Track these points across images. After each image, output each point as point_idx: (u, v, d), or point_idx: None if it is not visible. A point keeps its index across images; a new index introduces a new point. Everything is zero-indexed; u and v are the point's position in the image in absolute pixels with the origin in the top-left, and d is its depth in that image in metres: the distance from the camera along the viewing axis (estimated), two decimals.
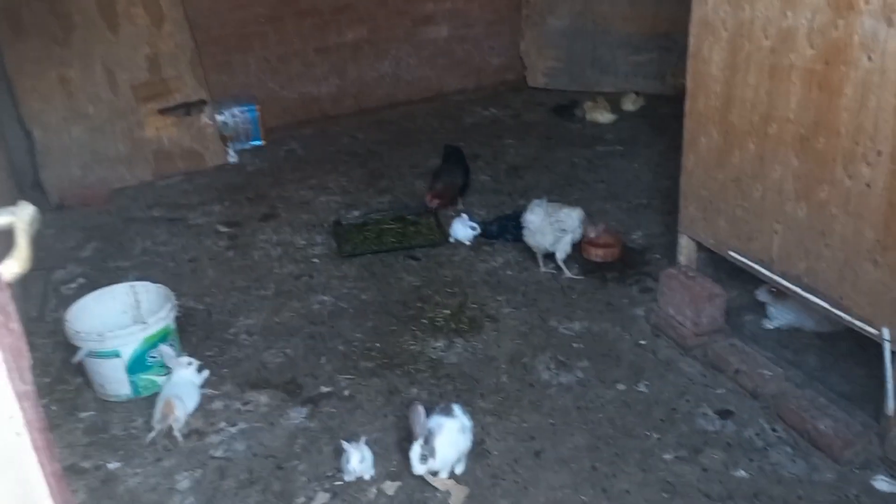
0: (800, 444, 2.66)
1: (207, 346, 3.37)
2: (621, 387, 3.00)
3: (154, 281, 3.38)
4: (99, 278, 3.81)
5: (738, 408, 2.86)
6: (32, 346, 3.36)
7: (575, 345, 3.26)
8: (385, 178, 4.98)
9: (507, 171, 4.98)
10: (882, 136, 2.33)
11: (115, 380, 3.01)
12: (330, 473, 2.65)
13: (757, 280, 3.06)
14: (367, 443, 2.61)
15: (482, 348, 3.27)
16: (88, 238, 4.38)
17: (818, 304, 2.71)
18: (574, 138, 5.45)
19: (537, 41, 6.43)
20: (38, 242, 4.29)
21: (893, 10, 2.22)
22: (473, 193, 4.65)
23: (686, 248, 3.35)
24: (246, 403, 3.02)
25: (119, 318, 3.24)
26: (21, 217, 1.12)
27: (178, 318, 3.24)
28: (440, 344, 3.30)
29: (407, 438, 2.61)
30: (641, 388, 2.99)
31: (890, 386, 2.49)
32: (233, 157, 5.32)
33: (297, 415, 2.94)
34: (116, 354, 2.95)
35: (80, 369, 3.11)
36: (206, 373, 3.10)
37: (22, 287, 3.73)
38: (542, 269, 3.80)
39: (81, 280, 3.92)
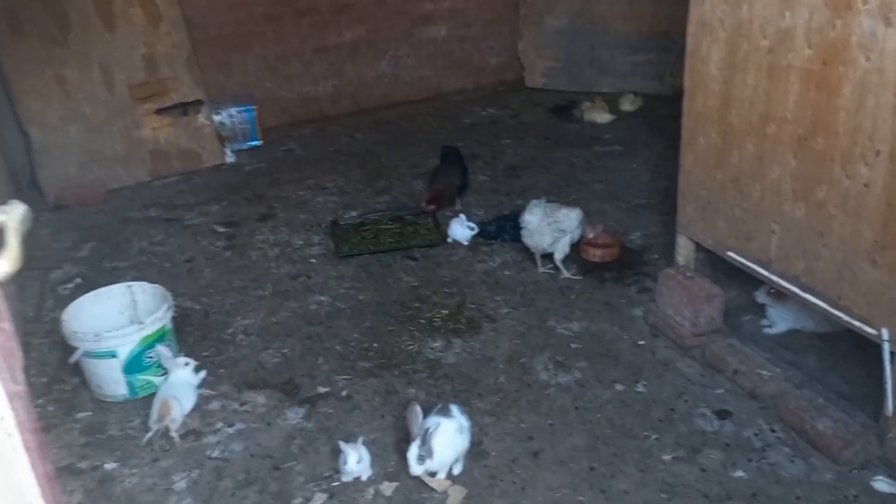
0: (798, 445, 2.66)
1: (204, 347, 3.36)
2: (619, 387, 3.00)
3: (151, 281, 3.37)
4: (96, 278, 3.81)
5: (736, 408, 2.85)
6: (29, 347, 3.39)
7: (573, 345, 3.26)
8: (383, 179, 4.97)
9: (506, 171, 4.98)
10: (880, 135, 2.33)
11: (111, 380, 3.00)
12: (327, 474, 2.64)
13: (755, 280, 3.05)
14: (364, 443, 2.60)
15: (480, 348, 3.26)
16: (85, 238, 4.37)
17: (817, 305, 2.70)
18: (572, 138, 5.45)
19: (535, 41, 6.43)
20: (35, 242, 4.33)
21: (891, 10, 2.21)
22: (472, 193, 4.64)
23: (684, 249, 3.35)
24: (243, 404, 3.01)
25: (116, 319, 3.23)
26: (12, 216, 1.11)
27: (174, 319, 3.23)
28: (438, 344, 3.29)
29: (405, 439, 2.60)
30: (640, 388, 2.99)
31: (889, 386, 2.49)
32: (230, 157, 5.32)
33: (294, 415, 2.93)
34: (113, 355, 2.94)
35: (77, 369, 3.10)
36: (203, 373, 3.10)
37: (19, 287, 3.72)
38: (541, 269, 3.79)
39: (78, 280, 3.91)
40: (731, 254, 3.06)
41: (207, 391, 3.07)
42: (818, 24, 2.45)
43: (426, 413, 2.54)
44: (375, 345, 3.32)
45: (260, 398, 3.03)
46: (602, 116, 5.69)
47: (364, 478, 2.59)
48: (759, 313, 3.25)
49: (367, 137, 5.68)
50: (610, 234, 3.98)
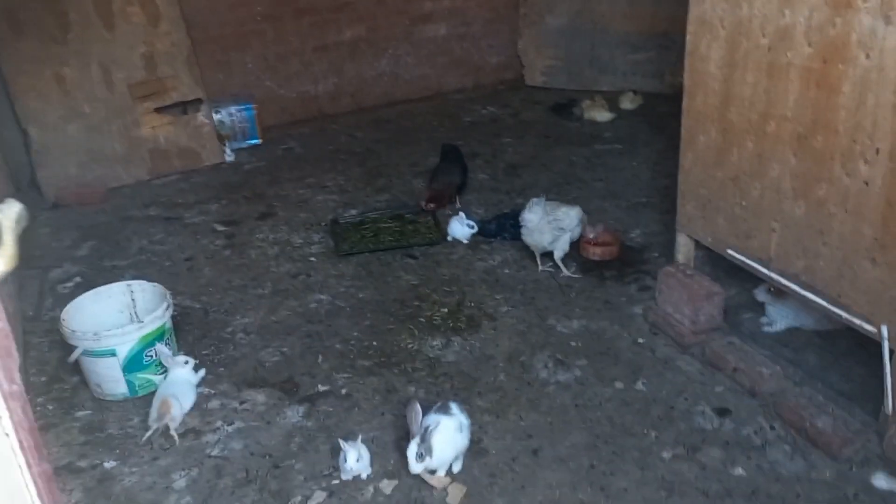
0: (798, 443, 2.66)
1: (204, 345, 3.36)
2: (619, 385, 3.00)
3: (150, 280, 3.37)
4: (95, 277, 3.81)
5: (736, 406, 2.85)
6: (29, 346, 3.38)
7: (573, 343, 3.26)
8: (383, 177, 4.97)
9: (506, 170, 4.98)
10: (880, 133, 2.32)
11: (111, 379, 3.00)
12: (327, 472, 2.64)
13: (755, 278, 3.05)
14: (364, 441, 2.60)
15: (480, 347, 3.26)
16: (85, 237, 4.37)
17: (817, 303, 2.70)
18: (572, 137, 5.45)
19: (535, 40, 6.43)
20: (35, 241, 4.33)
21: (891, 8, 2.21)
22: (471, 192, 4.64)
23: (684, 247, 3.35)
24: (243, 402, 3.01)
25: (115, 317, 3.23)
26: (7, 215, 1.10)
27: (174, 317, 3.23)
28: (438, 342, 3.29)
29: (404, 437, 2.60)
30: (639, 386, 2.98)
31: (888, 384, 2.49)
32: (230, 156, 5.32)
33: (293, 413, 2.93)
34: (112, 353, 2.94)
35: (77, 368, 3.10)
36: (202, 372, 3.10)
37: (18, 286, 3.72)
38: (541, 267, 3.79)
39: (78, 279, 3.91)
40: (730, 252, 3.06)
41: (207, 390, 3.07)
42: (818, 23, 2.45)
43: (426, 411, 2.54)
44: (375, 343, 3.32)
45: (259, 397, 3.03)
46: (602, 115, 5.68)
47: (364, 476, 2.59)
48: (758, 311, 3.25)
49: (367, 136, 5.67)
50: (610, 232, 3.97)
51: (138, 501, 2.58)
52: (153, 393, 2.95)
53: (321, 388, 3.07)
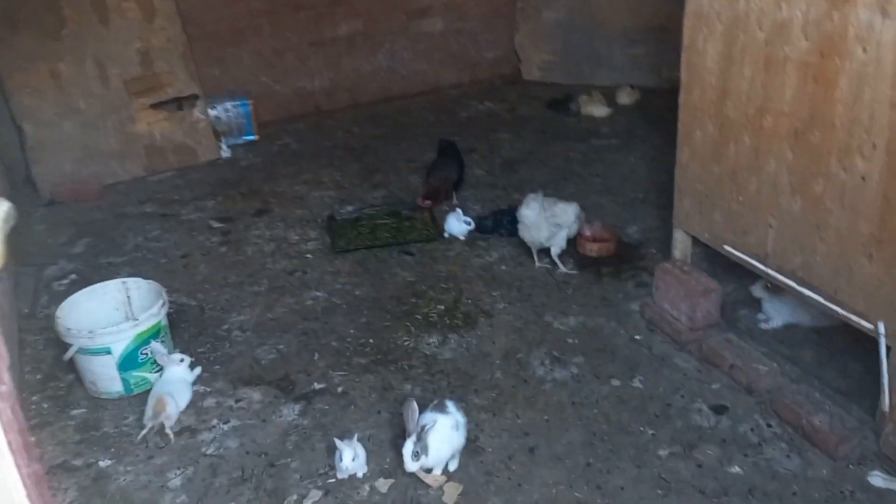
0: (795, 440, 2.65)
1: (200, 343, 3.35)
2: (616, 382, 2.99)
3: (146, 277, 3.36)
4: (91, 274, 3.79)
5: (732, 403, 2.84)
6: (24, 343, 3.37)
7: (570, 340, 3.25)
8: (380, 173, 4.95)
9: (502, 166, 4.96)
10: (877, 128, 2.31)
11: (106, 377, 2.98)
12: (323, 471, 2.63)
13: (752, 274, 3.04)
14: (360, 440, 2.60)
15: (476, 344, 3.25)
16: (80, 234, 4.35)
17: (813, 299, 2.69)
18: (569, 132, 5.43)
19: (532, 34, 6.41)
20: (30, 238, 4.32)
21: (888, 2, 2.19)
22: (468, 188, 4.63)
23: (681, 243, 3.34)
24: (238, 400, 3.00)
25: (111, 315, 3.22)
26: None
27: (170, 315, 3.22)
28: (434, 340, 3.28)
29: (401, 435, 2.59)
30: (636, 383, 2.98)
31: (885, 381, 2.48)
32: (226, 152, 5.30)
33: (289, 412, 2.92)
34: (107, 351, 2.93)
35: (72, 366, 3.08)
36: (198, 370, 3.09)
37: (13, 283, 3.71)
38: (538, 264, 3.78)
39: (73, 276, 3.89)
40: (727, 248, 3.05)
41: (203, 388, 3.06)
42: (815, 17, 2.43)
43: (422, 409, 2.53)
44: (371, 340, 3.31)
45: (255, 395, 3.02)
46: (599, 110, 5.67)
47: (359, 475, 2.59)
48: (755, 308, 3.24)
49: (364, 132, 5.65)
50: (607, 228, 3.96)
51: (133, 500, 2.57)
52: (148, 391, 2.94)
53: (317, 385, 3.06)
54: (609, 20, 6.10)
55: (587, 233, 3.85)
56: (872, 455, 2.55)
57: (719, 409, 2.82)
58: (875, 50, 2.26)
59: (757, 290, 3.18)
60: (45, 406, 3.02)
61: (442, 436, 2.48)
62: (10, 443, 1.03)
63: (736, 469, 2.56)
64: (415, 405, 2.49)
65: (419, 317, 3.44)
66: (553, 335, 3.28)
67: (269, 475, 2.64)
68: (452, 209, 4.19)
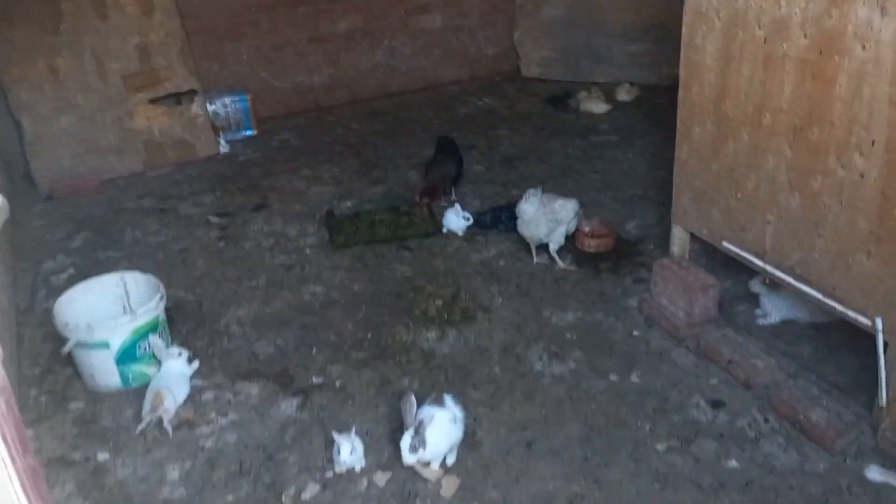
0: (792, 435, 2.66)
1: (198, 337, 3.35)
2: (614, 377, 2.99)
3: (144, 271, 3.35)
4: (89, 269, 3.78)
5: (730, 398, 2.85)
6: (22, 337, 3.37)
7: (568, 335, 3.25)
8: (378, 169, 4.95)
9: (501, 162, 4.96)
10: (876, 125, 2.31)
11: (104, 371, 2.98)
12: (321, 464, 2.64)
13: (750, 270, 3.05)
14: (358, 434, 2.60)
15: (475, 339, 3.25)
16: (78, 229, 4.35)
17: (811, 295, 2.70)
18: (568, 129, 5.43)
19: (532, 31, 6.40)
20: (28, 233, 4.31)
21: None
22: (467, 184, 4.63)
23: (679, 239, 3.34)
24: (236, 394, 3.00)
25: (109, 309, 3.21)
26: None
27: (168, 309, 3.22)
28: (432, 335, 3.29)
29: (399, 429, 2.59)
30: (634, 378, 2.98)
31: (882, 376, 2.49)
32: (224, 148, 5.30)
33: (287, 406, 2.92)
34: (105, 345, 2.93)
35: (70, 360, 3.08)
36: (196, 364, 3.09)
37: (12, 278, 3.71)
38: (536, 259, 3.78)
39: (71, 271, 3.89)
40: (726, 244, 3.05)
41: (201, 382, 3.05)
42: (814, 14, 2.44)
43: (420, 403, 2.53)
44: (370, 335, 3.31)
45: (253, 389, 3.02)
46: (598, 107, 5.67)
47: (357, 468, 2.59)
48: (753, 303, 3.25)
49: (363, 128, 5.65)
50: (605, 224, 3.97)
51: (131, 494, 2.57)
52: (147, 385, 2.94)
53: (315, 380, 3.06)
54: (608, 17, 6.10)
55: (586, 229, 3.86)
56: (869, 450, 2.55)
57: (717, 404, 2.82)
58: (874, 47, 2.27)
59: (755, 286, 3.19)
60: (44, 400, 3.02)
61: (440, 430, 2.48)
62: (4, 436, 1.02)
63: (733, 463, 2.56)
64: (413, 399, 2.50)
65: (417, 312, 3.45)
66: (551, 330, 3.29)
67: (268, 469, 2.64)
68: (451, 205, 4.19)
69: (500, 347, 3.19)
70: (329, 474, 2.59)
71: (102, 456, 2.72)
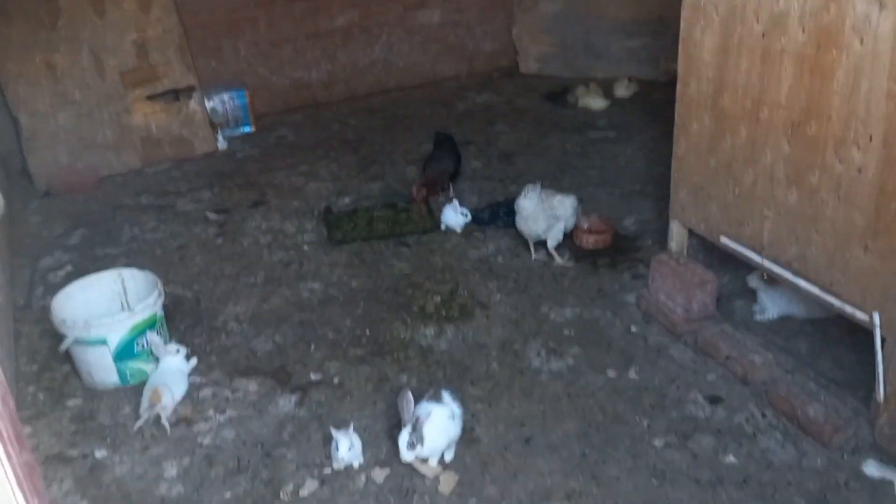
0: (790, 430, 2.66)
1: (196, 334, 3.34)
2: (612, 373, 2.99)
3: (142, 268, 3.35)
4: (86, 266, 3.78)
5: (728, 394, 2.85)
6: (19, 334, 3.37)
7: (566, 331, 3.25)
8: (376, 165, 4.95)
9: (499, 158, 4.96)
10: (874, 120, 2.31)
11: (102, 368, 2.98)
12: (319, 461, 2.64)
13: (748, 266, 3.04)
14: (356, 430, 2.60)
15: (473, 335, 3.25)
16: (76, 225, 4.34)
17: (808, 290, 2.70)
18: (566, 124, 5.42)
19: (530, 27, 6.39)
20: (25, 229, 4.31)
21: None
22: (465, 180, 4.62)
23: (677, 235, 3.34)
24: (234, 391, 3.00)
25: (106, 306, 3.21)
26: None
27: (166, 306, 3.22)
28: (430, 331, 3.28)
29: (397, 426, 2.59)
30: (632, 374, 2.98)
31: (880, 371, 2.49)
32: (222, 144, 5.29)
33: (285, 402, 2.92)
34: (103, 342, 2.93)
35: (68, 357, 3.08)
36: (194, 360, 3.09)
37: (9, 274, 3.70)
38: (534, 256, 3.78)
39: (69, 268, 3.89)
40: (723, 239, 3.05)
41: (199, 379, 3.05)
42: (812, 8, 2.43)
43: (418, 400, 2.53)
44: (368, 332, 3.31)
45: (251, 385, 3.02)
46: (597, 102, 5.66)
47: (356, 465, 2.59)
48: (751, 299, 3.25)
49: (361, 124, 5.65)
50: (603, 220, 3.97)
51: (129, 491, 2.57)
52: (144, 382, 2.93)
53: (313, 376, 3.06)
54: (607, 12, 6.09)
55: (584, 225, 3.85)
56: (867, 445, 2.56)
57: (714, 400, 2.83)
58: (872, 42, 2.26)
59: (752, 282, 3.19)
60: (41, 397, 3.02)
61: (438, 426, 2.48)
62: (0, 432, 1.02)
63: (731, 459, 2.56)
64: (410, 396, 2.50)
65: (415, 308, 3.44)
66: (549, 326, 3.29)
67: (266, 465, 2.64)
68: (449, 201, 4.18)
69: (498, 344, 3.19)
70: (327, 471, 2.59)
71: (100, 453, 2.72)
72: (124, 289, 3.27)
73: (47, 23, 4.57)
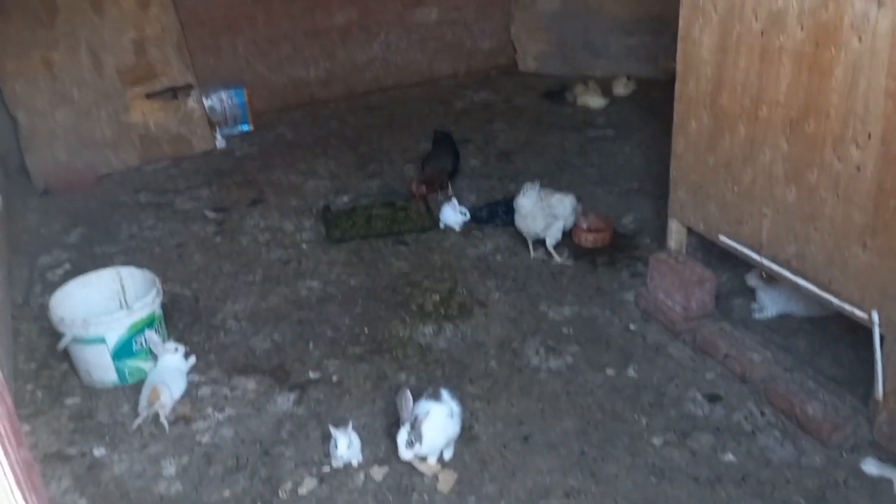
0: (788, 428, 2.66)
1: (194, 332, 3.34)
2: (610, 371, 2.99)
3: (140, 266, 3.34)
4: (85, 264, 3.77)
5: (726, 392, 2.85)
6: (18, 332, 3.36)
7: (564, 330, 3.25)
8: (375, 163, 4.94)
9: (498, 156, 4.95)
10: (872, 118, 2.31)
11: (100, 366, 2.98)
12: (317, 459, 2.64)
13: (747, 264, 3.05)
14: (354, 428, 2.60)
15: (471, 334, 3.25)
16: (74, 223, 4.34)
17: (807, 288, 2.70)
18: (565, 123, 5.42)
19: (528, 25, 6.39)
20: (24, 227, 4.30)
21: None
22: (463, 178, 4.62)
23: (676, 233, 3.34)
24: (233, 389, 3.00)
25: (105, 304, 3.21)
26: None
27: (164, 304, 3.21)
28: (429, 329, 3.28)
29: (395, 424, 2.59)
30: (631, 372, 2.98)
31: (879, 369, 2.49)
32: (221, 142, 5.28)
33: (284, 400, 2.92)
34: (101, 340, 2.93)
35: (66, 355, 3.08)
36: (192, 359, 3.09)
37: (7, 272, 3.70)
38: (533, 254, 3.78)
39: (67, 266, 3.88)
40: (722, 238, 3.05)
41: (197, 377, 3.05)
42: (811, 6, 2.43)
43: (417, 398, 2.53)
44: (366, 330, 3.31)
45: (250, 384, 3.02)
46: (595, 100, 5.66)
47: (354, 463, 2.59)
48: (750, 297, 3.25)
49: (359, 122, 5.64)
50: (602, 218, 3.96)
51: (128, 489, 2.57)
52: (143, 380, 2.93)
53: (312, 375, 3.06)
54: (605, 10, 6.08)
55: (583, 223, 3.85)
56: (866, 443, 2.56)
57: (713, 398, 2.83)
58: (870, 39, 2.26)
59: (751, 280, 3.19)
60: (40, 395, 3.01)
61: (436, 424, 2.48)
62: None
63: (729, 457, 2.57)
64: (409, 394, 2.49)
65: (414, 307, 3.44)
66: (548, 325, 3.29)
67: (264, 463, 2.64)
68: (447, 199, 4.18)
69: (496, 342, 3.19)
70: (326, 469, 2.59)
71: (99, 451, 2.72)
72: (123, 287, 3.27)
73: (45, 21, 4.55)
